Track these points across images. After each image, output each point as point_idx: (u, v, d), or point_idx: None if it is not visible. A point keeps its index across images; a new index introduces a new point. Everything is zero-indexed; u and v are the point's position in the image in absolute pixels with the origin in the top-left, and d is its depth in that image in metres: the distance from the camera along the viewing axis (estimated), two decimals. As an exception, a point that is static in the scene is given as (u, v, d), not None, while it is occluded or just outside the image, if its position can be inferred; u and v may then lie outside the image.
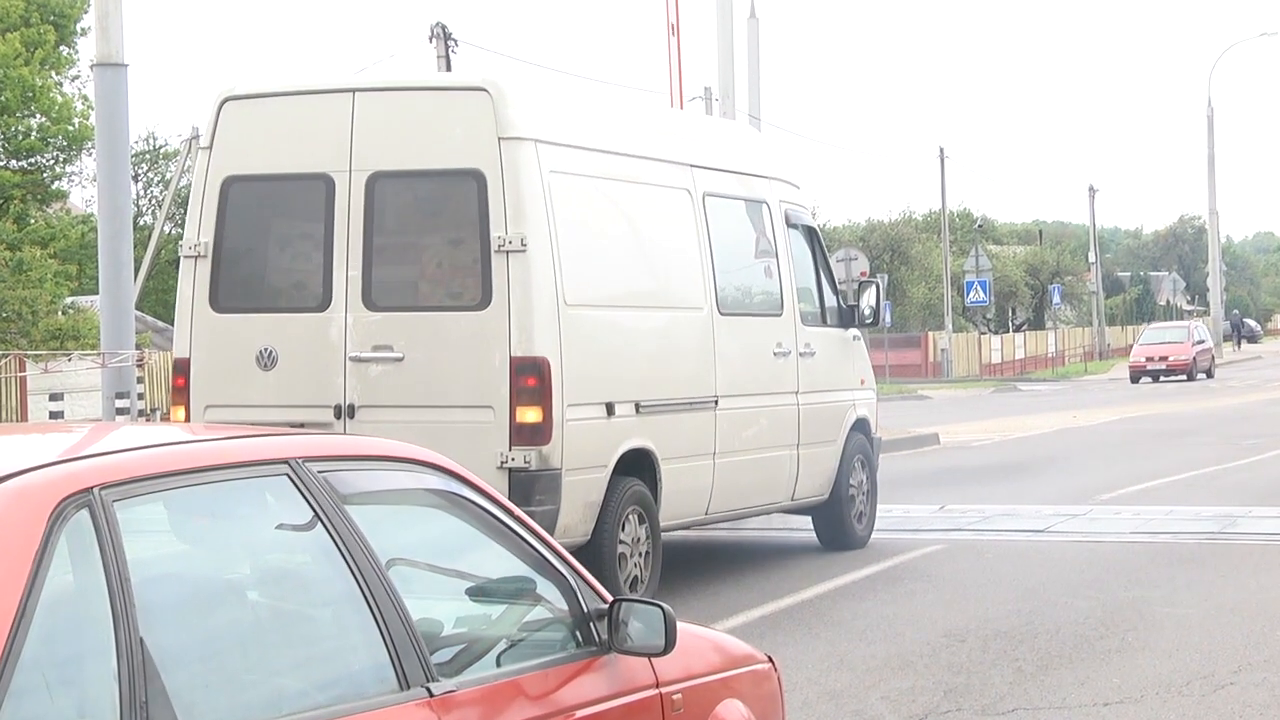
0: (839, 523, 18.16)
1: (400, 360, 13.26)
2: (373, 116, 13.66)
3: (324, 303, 13.51)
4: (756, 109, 41.45)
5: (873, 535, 19.59)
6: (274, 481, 5.65)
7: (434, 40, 38.51)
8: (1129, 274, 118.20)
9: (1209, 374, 70.70)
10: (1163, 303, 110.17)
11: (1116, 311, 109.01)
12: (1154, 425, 40.31)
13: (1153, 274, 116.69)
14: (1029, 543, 19.98)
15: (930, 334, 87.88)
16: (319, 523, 5.59)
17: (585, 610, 6.34)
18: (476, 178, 13.16)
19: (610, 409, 14.60)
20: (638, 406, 14.84)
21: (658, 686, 6.51)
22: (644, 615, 6.32)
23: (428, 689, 5.55)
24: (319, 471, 5.72)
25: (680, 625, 6.50)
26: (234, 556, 5.62)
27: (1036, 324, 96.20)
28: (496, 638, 6.13)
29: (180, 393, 14.09)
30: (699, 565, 17.78)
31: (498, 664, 6.01)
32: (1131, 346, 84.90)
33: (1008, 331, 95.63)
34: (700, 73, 65.08)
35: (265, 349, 13.63)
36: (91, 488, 4.94)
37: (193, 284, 13.88)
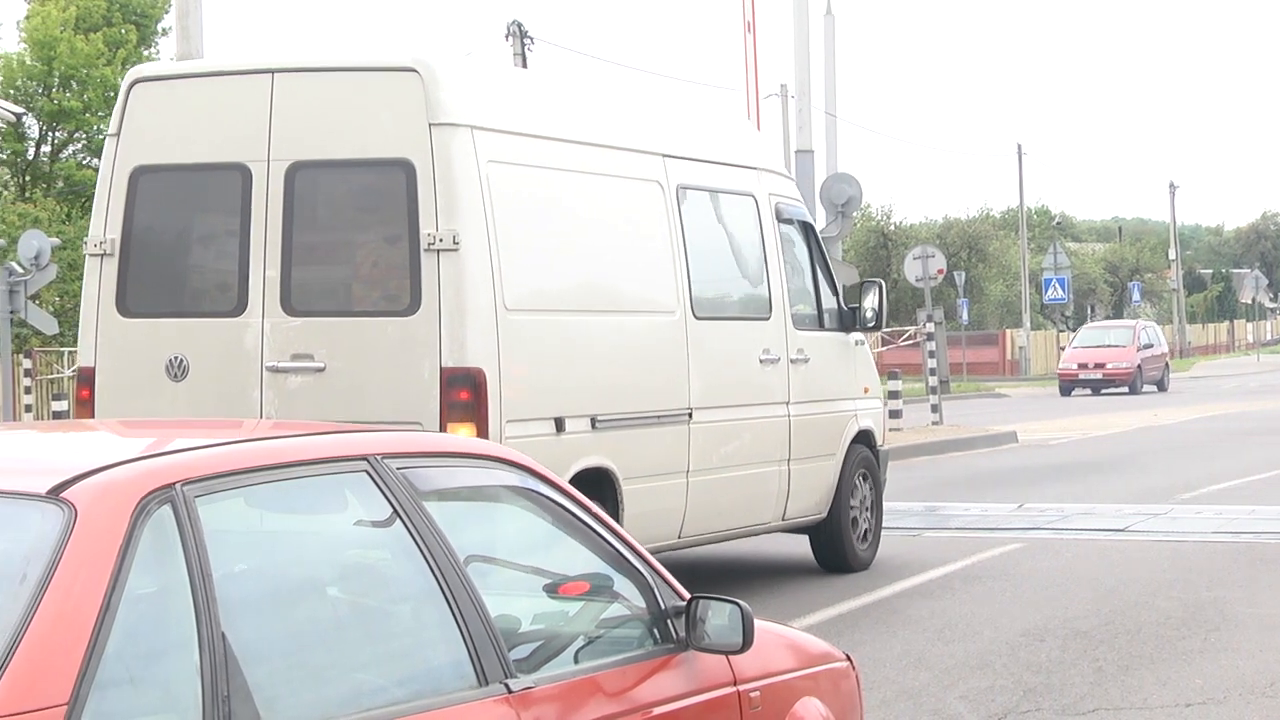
0: (838, 543, 17.15)
1: (322, 370, 12.45)
2: (294, 100, 12.84)
3: (239, 307, 12.69)
4: (833, 106, 41.44)
5: (951, 529, 19.53)
6: (354, 478, 5.71)
7: (510, 38, 38.48)
8: (1210, 271, 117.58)
9: (1160, 385, 63.54)
10: (1247, 300, 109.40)
11: (1198, 309, 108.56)
12: (1234, 424, 40.13)
13: (1235, 271, 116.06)
14: (1109, 541, 19.93)
15: (1008, 331, 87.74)
16: (398, 519, 5.65)
17: (663, 607, 6.38)
18: (405, 168, 12.30)
19: (560, 424, 13.61)
20: (594, 421, 13.92)
21: (735, 684, 6.54)
22: (721, 612, 6.33)
23: (506, 685, 5.59)
24: (398, 468, 5.78)
25: (758, 623, 6.53)
26: (314, 552, 5.71)
27: (1114, 315, 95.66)
28: (574, 634, 6.16)
29: (85, 405, 13.25)
30: (771, 565, 17.70)
31: (575, 661, 6.05)
32: (1213, 343, 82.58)
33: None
34: (777, 70, 64.86)
35: (175, 357, 12.77)
36: (174, 484, 5.01)
37: (98, 285, 13.08)
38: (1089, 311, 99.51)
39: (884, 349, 58.95)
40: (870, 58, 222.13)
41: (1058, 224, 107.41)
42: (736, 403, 15.13)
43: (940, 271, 47.35)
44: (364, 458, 5.73)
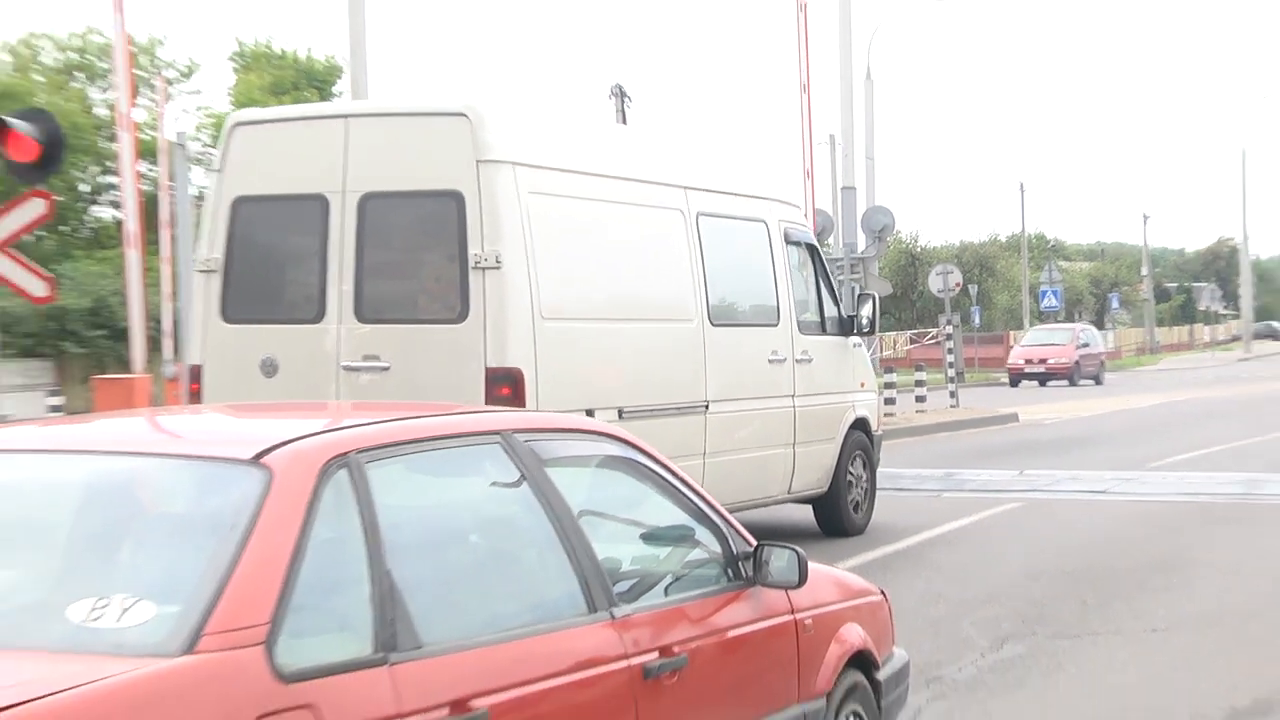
0: (836, 512, 16.61)
1: (387, 369, 12.04)
2: (364, 141, 12.42)
3: (319, 315, 12.33)
4: (872, 151, 41.44)
5: (964, 492, 19.49)
6: (490, 449, 5.84)
7: (612, 97, 38.50)
8: (1175, 285, 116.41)
9: (1097, 380, 59.22)
10: (1203, 309, 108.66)
11: (1165, 316, 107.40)
12: (1193, 409, 39.72)
13: (1195, 285, 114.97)
14: (1091, 501, 19.87)
15: (1011, 333, 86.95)
16: (524, 481, 5.79)
17: (734, 552, 6.50)
18: (456, 198, 11.81)
19: (589, 415, 12.68)
20: (620, 412, 13.28)
21: (793, 613, 6.65)
22: (782, 556, 6.45)
23: (611, 613, 5.70)
24: (524, 441, 5.91)
25: (810, 564, 6.66)
26: (459, 507, 5.82)
27: (1098, 325, 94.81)
28: (664, 573, 6.29)
29: (195, 397, 12.88)
30: (784, 530, 17.46)
31: (665, 594, 6.17)
32: (1146, 346, 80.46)
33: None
34: (827, 122, 64.05)
35: (267, 358, 12.39)
36: (349, 452, 5.15)
37: (205, 297, 12.81)
38: (1076, 317, 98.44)
39: (912, 346, 58.69)
40: (903, 108, 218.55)
41: (1052, 246, 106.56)
42: (748, 395, 14.70)
43: (958, 285, 47.55)
44: (498, 433, 5.87)
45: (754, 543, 6.52)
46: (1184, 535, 16.75)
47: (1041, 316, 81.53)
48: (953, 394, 40.51)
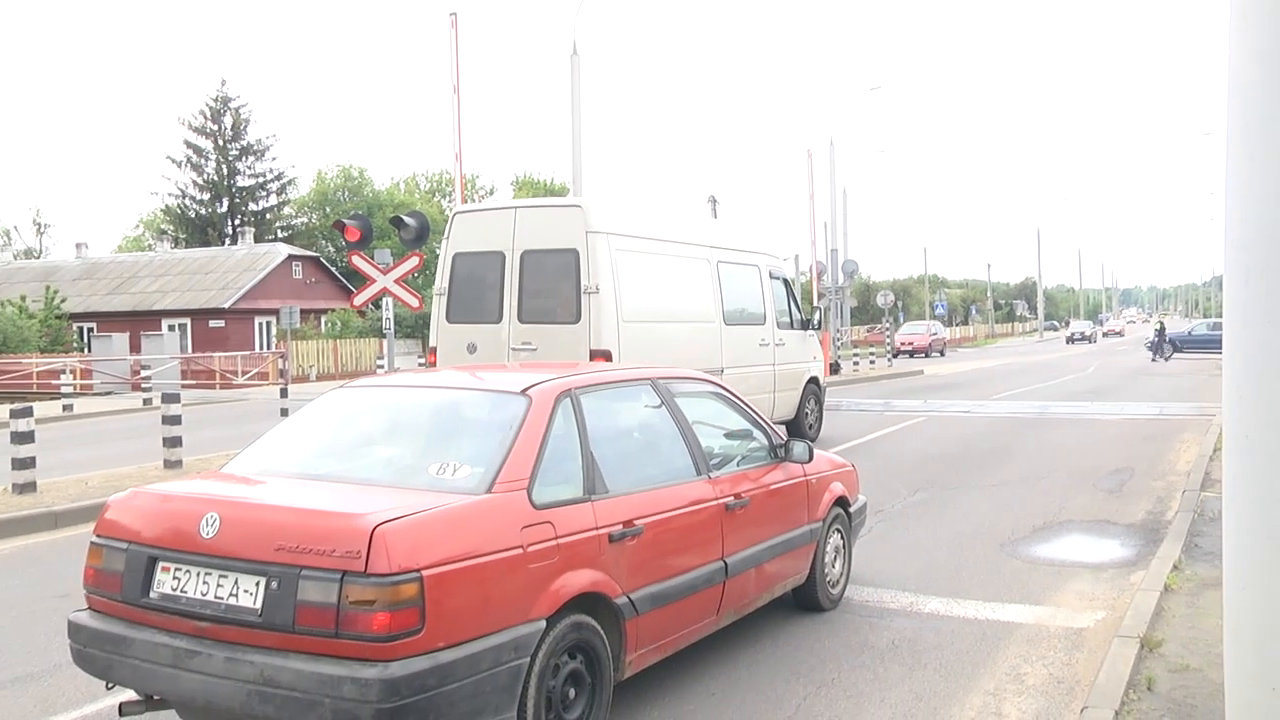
0: (801, 428, 15.43)
1: (535, 350, 11.42)
2: (525, 221, 11.84)
3: (499, 318, 11.72)
4: (846, 230, 41.04)
5: (894, 413, 19.31)
6: (643, 386, 5.94)
7: (709, 203, 38.17)
8: (1004, 301, 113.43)
9: (941, 353, 52.87)
10: (1018, 315, 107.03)
11: (998, 318, 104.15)
12: (1013, 369, 38.72)
13: (1014, 301, 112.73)
14: (962, 417, 19.52)
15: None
16: (663, 405, 5.91)
17: (773, 443, 6.57)
18: (575, 254, 11.32)
19: None
20: None
21: (805, 476, 6.71)
22: (800, 446, 6.52)
23: (709, 475, 5.80)
24: (662, 383, 6.02)
25: (815, 450, 6.67)
26: (628, 417, 5.85)
27: (964, 323, 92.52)
28: (736, 454, 6.31)
29: (432, 367, 12.15)
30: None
31: (737, 465, 6.21)
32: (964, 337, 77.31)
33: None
34: (823, 211, 63.20)
35: (471, 343, 11.83)
36: (571, 389, 5.29)
37: (438, 310, 12.20)
38: (954, 320, 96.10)
39: (867, 334, 57.60)
40: (865, 202, 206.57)
41: (940, 280, 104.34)
42: (747, 364, 14.02)
43: (891, 301, 46.97)
44: (649, 380, 5.94)
45: (784, 438, 6.57)
46: (1009, 435, 16.43)
47: (936, 319, 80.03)
48: (888, 360, 40.10)
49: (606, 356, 11.36)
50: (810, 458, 6.52)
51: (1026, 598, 7.15)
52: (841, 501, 7.04)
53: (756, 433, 6.44)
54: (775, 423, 16.38)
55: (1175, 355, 41.96)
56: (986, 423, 18.37)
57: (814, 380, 16.09)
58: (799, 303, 16.17)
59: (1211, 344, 42.13)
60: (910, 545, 8.75)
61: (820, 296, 38.42)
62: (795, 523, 6.42)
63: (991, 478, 12.20)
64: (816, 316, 16.86)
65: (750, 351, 14.18)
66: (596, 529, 4.74)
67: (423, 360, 17.28)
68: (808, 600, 6.75)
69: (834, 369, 34.62)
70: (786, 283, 15.85)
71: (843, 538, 7.05)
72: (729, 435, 6.32)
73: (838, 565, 6.97)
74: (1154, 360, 39.71)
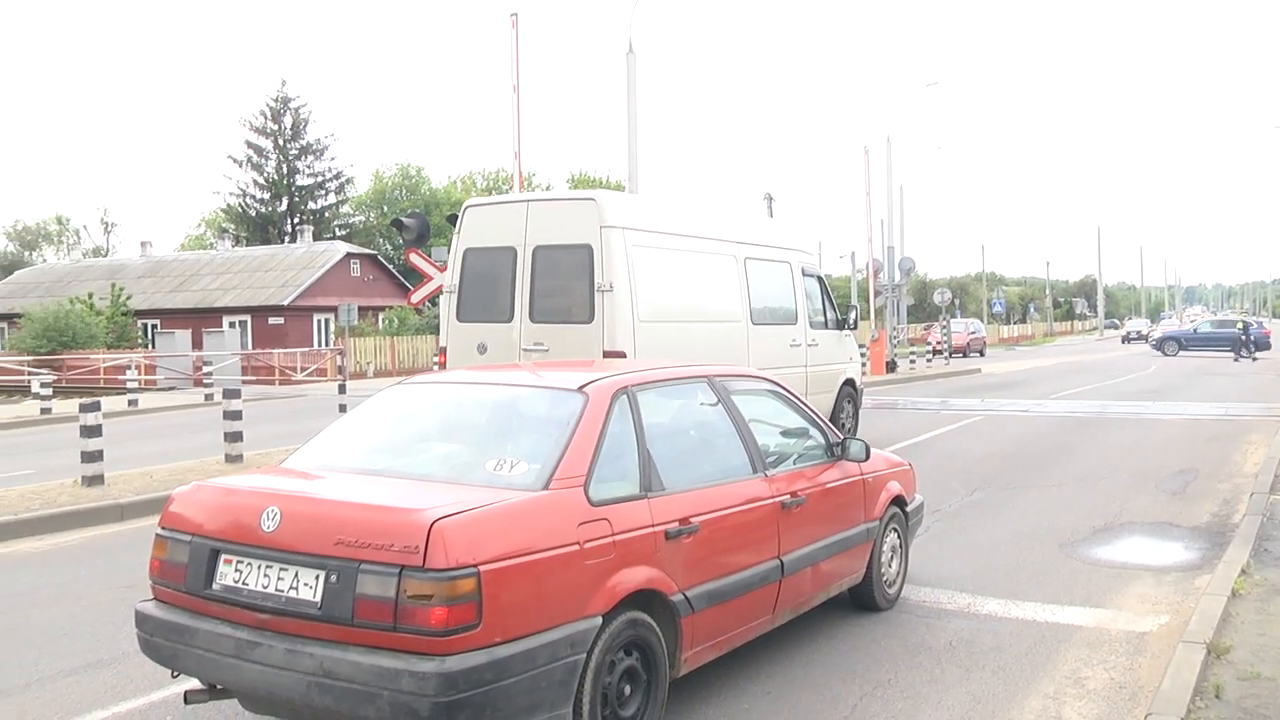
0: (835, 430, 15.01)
1: (547, 351, 10.86)
2: (537, 214, 11.25)
3: (510, 317, 11.17)
4: (903, 228, 40.61)
5: (951, 411, 19.11)
6: (700, 384, 5.92)
7: (764, 200, 37.88)
8: (1063, 299, 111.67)
9: (981, 353, 49.71)
10: (1078, 313, 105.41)
11: (1057, 316, 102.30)
12: (1071, 367, 38.10)
13: (1073, 299, 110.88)
14: (1020, 415, 19.26)
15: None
16: (719, 402, 5.88)
17: (829, 441, 6.51)
18: (588, 249, 10.77)
19: None
20: None
21: (861, 475, 6.65)
22: (857, 445, 6.48)
23: (765, 473, 5.77)
24: (719, 380, 5.99)
25: (872, 449, 6.62)
26: (685, 414, 5.82)
27: (1021, 323, 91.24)
28: (792, 452, 6.26)
29: (442, 367, 11.85)
30: (873, 427, 17.26)
31: (793, 464, 6.16)
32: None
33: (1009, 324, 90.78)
34: (879, 209, 62.52)
35: (481, 343, 11.26)
36: (627, 386, 5.29)
37: (448, 307, 11.72)
38: (1010, 319, 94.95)
39: (924, 332, 56.97)
40: (922, 201, 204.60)
41: (998, 278, 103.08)
42: (776, 366, 13.13)
43: (948, 299, 46.25)
44: (706, 378, 5.92)
45: (841, 436, 6.51)
46: (1068, 434, 16.21)
47: (994, 317, 78.87)
48: (945, 358, 39.68)
49: (621, 358, 10.99)
50: (867, 456, 6.46)
51: (1087, 600, 7.04)
52: (898, 501, 6.97)
53: (813, 431, 6.38)
54: None
55: (1181, 353, 43.13)
56: (1045, 422, 18.14)
57: (849, 382, 15.49)
58: (834, 301, 15.56)
59: (1215, 342, 43.67)
60: (968, 545, 8.66)
61: (876, 294, 38.13)
62: (851, 521, 6.37)
63: (1050, 478, 12.05)
64: (853, 316, 15.87)
65: (780, 352, 13.61)
66: (652, 526, 4.73)
67: (436, 361, 16.77)
68: (864, 600, 6.70)
69: (890, 367, 34.31)
70: (821, 280, 15.24)
71: (899, 537, 6.98)
72: (785, 433, 6.27)
73: (894, 565, 6.91)
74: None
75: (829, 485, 6.17)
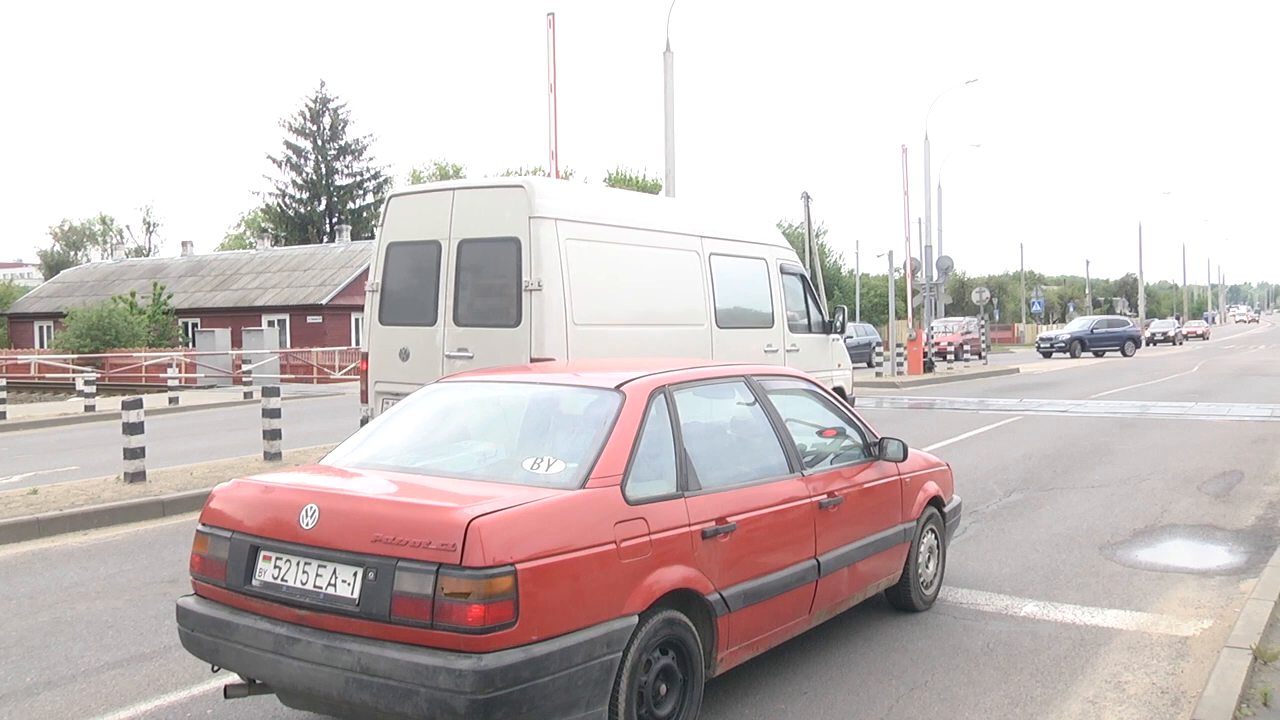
0: None
1: (472, 358, 9.91)
2: (463, 204, 10.26)
3: (433, 320, 10.19)
4: (940, 225, 40.11)
5: (990, 411, 18.96)
6: (738, 383, 5.91)
7: (801, 199, 37.73)
8: (1103, 298, 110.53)
9: (979, 355, 42.28)
10: (1119, 312, 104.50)
11: (1099, 311, 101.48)
12: (1112, 367, 37.70)
13: (1114, 298, 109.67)
14: (1060, 416, 19.08)
15: (1014, 325, 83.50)
16: (756, 401, 5.86)
17: (867, 441, 6.48)
18: (516, 243, 9.70)
19: None
20: None
21: (899, 475, 6.62)
22: (895, 444, 6.44)
23: (802, 473, 5.74)
24: (756, 379, 5.97)
25: (909, 449, 6.59)
26: (722, 413, 5.81)
27: (1060, 320, 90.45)
28: (830, 452, 6.23)
29: (363, 374, 10.85)
30: (911, 427, 17.16)
31: (830, 464, 6.13)
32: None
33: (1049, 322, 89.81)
34: (916, 208, 62.09)
35: (404, 348, 10.33)
36: (665, 385, 5.28)
37: (370, 308, 10.73)
38: (1050, 317, 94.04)
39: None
40: (959, 200, 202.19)
41: (1037, 277, 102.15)
42: None
43: (987, 298, 45.76)
44: (743, 377, 5.90)
45: (878, 436, 6.47)
46: (1109, 434, 16.04)
47: (1033, 317, 78.12)
48: (983, 357, 39.39)
49: None
50: (904, 456, 6.42)
51: (1127, 603, 6.95)
52: (936, 501, 6.92)
53: (850, 430, 6.35)
54: None
55: (1083, 353, 45.92)
56: (1084, 422, 17.97)
57: (839, 392, 13.92)
58: (819, 302, 14.22)
59: (1111, 341, 46.55)
60: (1006, 546, 8.58)
61: (914, 293, 37.87)
62: (889, 522, 6.34)
63: (1090, 479, 11.93)
64: (840, 318, 14.19)
65: (752, 359, 12.28)
66: (689, 525, 4.72)
67: (358, 367, 15.82)
68: (901, 601, 6.66)
69: (928, 367, 34.09)
70: (804, 279, 13.82)
71: (937, 538, 6.94)
72: (822, 433, 6.23)
73: (931, 566, 6.86)
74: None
75: (866, 485, 6.14)
